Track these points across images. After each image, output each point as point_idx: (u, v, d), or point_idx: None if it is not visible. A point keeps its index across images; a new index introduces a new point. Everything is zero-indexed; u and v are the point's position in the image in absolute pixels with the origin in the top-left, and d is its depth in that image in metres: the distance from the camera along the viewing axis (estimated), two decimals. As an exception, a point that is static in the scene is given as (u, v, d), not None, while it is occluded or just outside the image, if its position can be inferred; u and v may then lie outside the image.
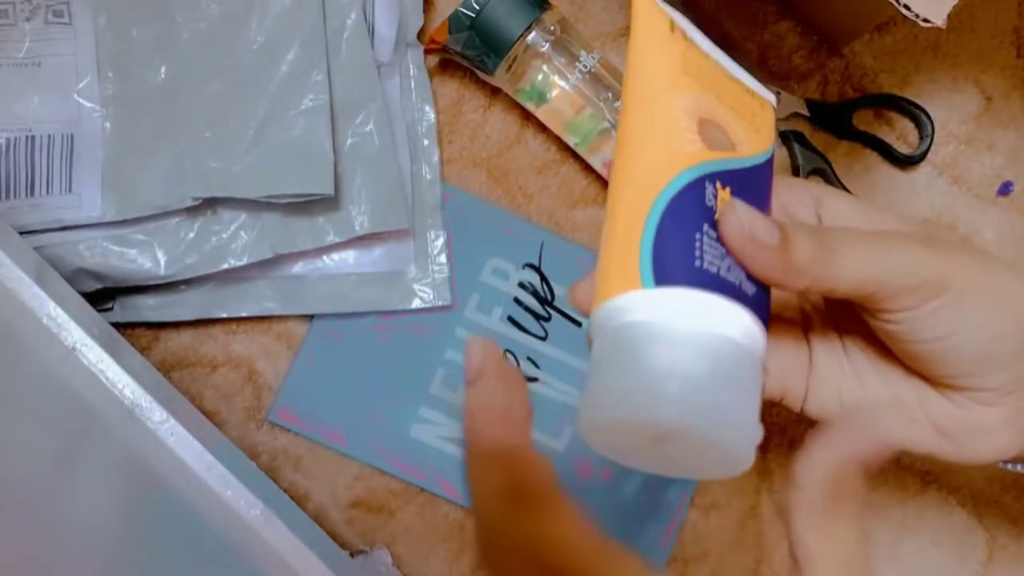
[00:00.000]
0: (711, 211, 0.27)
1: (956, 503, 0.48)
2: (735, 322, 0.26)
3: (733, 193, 0.28)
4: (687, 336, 0.25)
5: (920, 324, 0.28)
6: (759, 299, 0.27)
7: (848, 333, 0.32)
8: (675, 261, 0.26)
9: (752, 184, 0.29)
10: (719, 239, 0.27)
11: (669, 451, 0.26)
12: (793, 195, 0.32)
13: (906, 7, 0.36)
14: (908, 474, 0.48)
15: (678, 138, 0.28)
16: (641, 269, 0.26)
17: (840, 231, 0.28)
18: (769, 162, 0.31)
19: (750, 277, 0.27)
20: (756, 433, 0.25)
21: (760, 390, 0.26)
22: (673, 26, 0.30)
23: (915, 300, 0.28)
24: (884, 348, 0.31)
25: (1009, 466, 0.33)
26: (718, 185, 0.27)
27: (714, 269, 0.26)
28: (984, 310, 0.28)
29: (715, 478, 0.29)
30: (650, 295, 0.26)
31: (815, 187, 0.32)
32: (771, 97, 0.33)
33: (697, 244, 0.26)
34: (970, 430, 0.30)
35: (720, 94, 0.30)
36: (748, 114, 0.31)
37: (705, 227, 0.26)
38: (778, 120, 0.49)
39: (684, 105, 0.28)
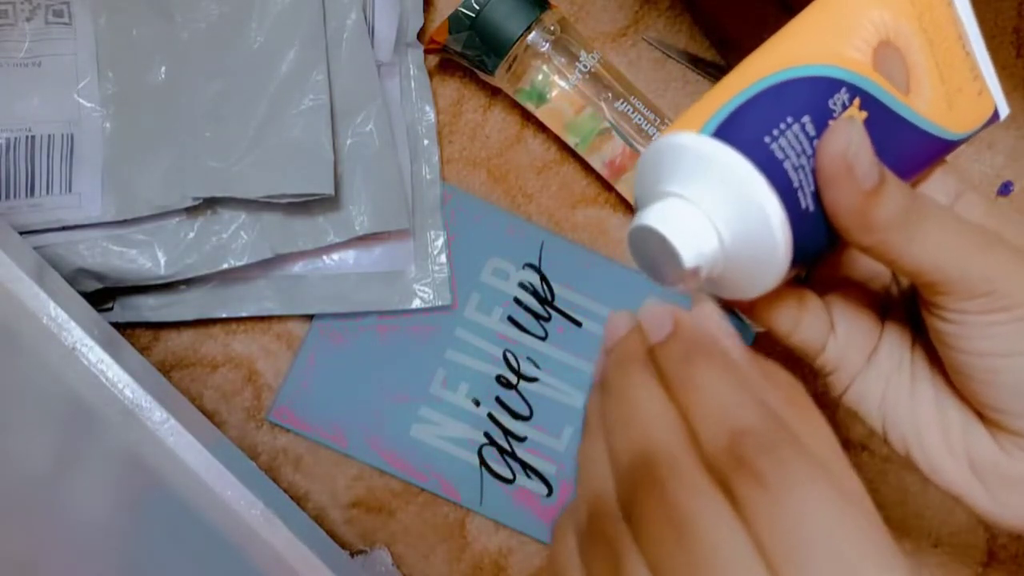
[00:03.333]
0: (826, 113, 0.24)
1: (956, 503, 0.48)
2: (760, 198, 0.23)
3: (867, 122, 0.25)
4: (700, 161, 0.24)
5: (975, 331, 0.25)
6: (812, 219, 0.25)
7: (923, 336, 0.30)
8: (746, 126, 0.24)
9: (897, 138, 0.26)
10: (812, 143, 0.24)
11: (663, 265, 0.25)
12: (933, 183, 0.29)
13: None
14: (908, 474, 0.48)
15: (843, 37, 0.25)
16: (711, 118, 0.24)
17: (940, 208, 0.25)
18: (938, 143, 0.27)
19: (816, 195, 0.25)
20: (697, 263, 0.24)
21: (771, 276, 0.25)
22: None
23: (976, 305, 0.25)
24: (942, 361, 0.28)
25: None
26: (857, 101, 0.25)
27: (780, 155, 0.24)
28: None
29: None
30: (697, 138, 0.24)
31: (957, 183, 0.29)
32: (1003, 106, 0.29)
33: (783, 125, 0.24)
34: (1007, 479, 0.27)
35: (934, 45, 0.26)
36: (952, 84, 0.27)
37: (806, 118, 0.24)
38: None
39: (877, 17, 0.26)
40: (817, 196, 0.25)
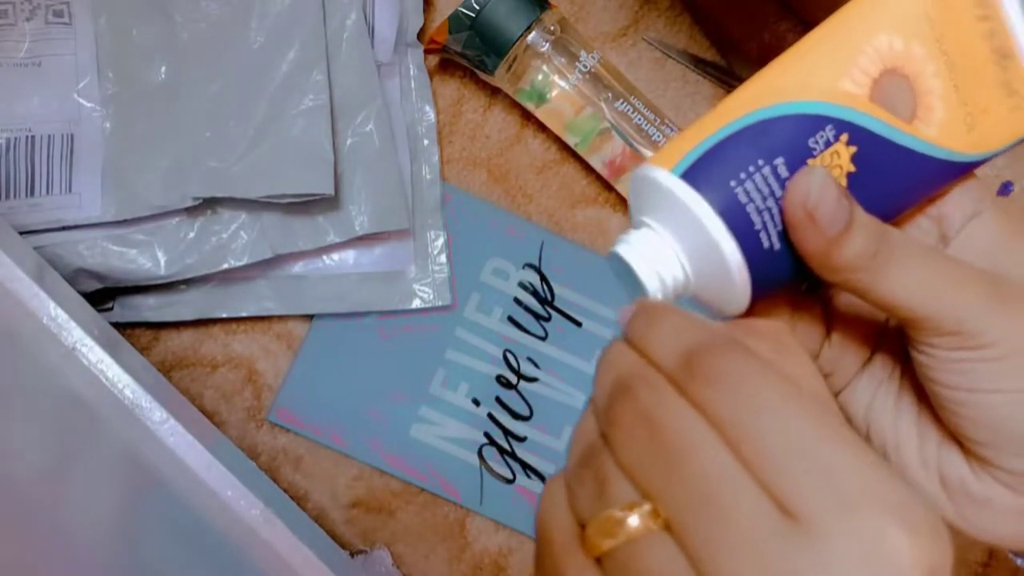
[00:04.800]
0: (805, 152, 0.24)
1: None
2: (717, 240, 0.24)
3: (855, 160, 0.25)
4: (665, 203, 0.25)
5: (944, 366, 0.25)
6: (777, 256, 0.25)
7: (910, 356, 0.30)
8: (714, 169, 0.24)
9: (897, 167, 0.26)
10: (783, 184, 0.24)
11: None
12: (953, 198, 0.28)
13: None
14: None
15: (840, 69, 0.25)
16: (683, 157, 0.25)
17: (911, 247, 0.25)
18: (950, 166, 0.27)
19: (783, 233, 0.25)
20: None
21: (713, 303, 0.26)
22: None
23: (945, 343, 0.25)
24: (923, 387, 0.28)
25: (1019, 560, 0.30)
26: (843, 139, 0.24)
27: (744, 199, 0.24)
28: (1021, 384, 0.25)
29: None
30: (667, 176, 0.25)
31: (978, 198, 0.28)
32: None
33: (751, 170, 0.24)
34: (975, 500, 0.27)
35: (954, 67, 0.26)
36: (975, 105, 0.26)
37: (778, 161, 0.24)
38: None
39: (884, 43, 0.25)
40: (784, 235, 0.25)
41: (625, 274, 0.26)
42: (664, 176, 0.25)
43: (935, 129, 0.26)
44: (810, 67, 0.25)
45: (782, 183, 0.24)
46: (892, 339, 0.30)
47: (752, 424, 0.21)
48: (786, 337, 0.25)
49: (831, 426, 0.21)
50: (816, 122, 0.24)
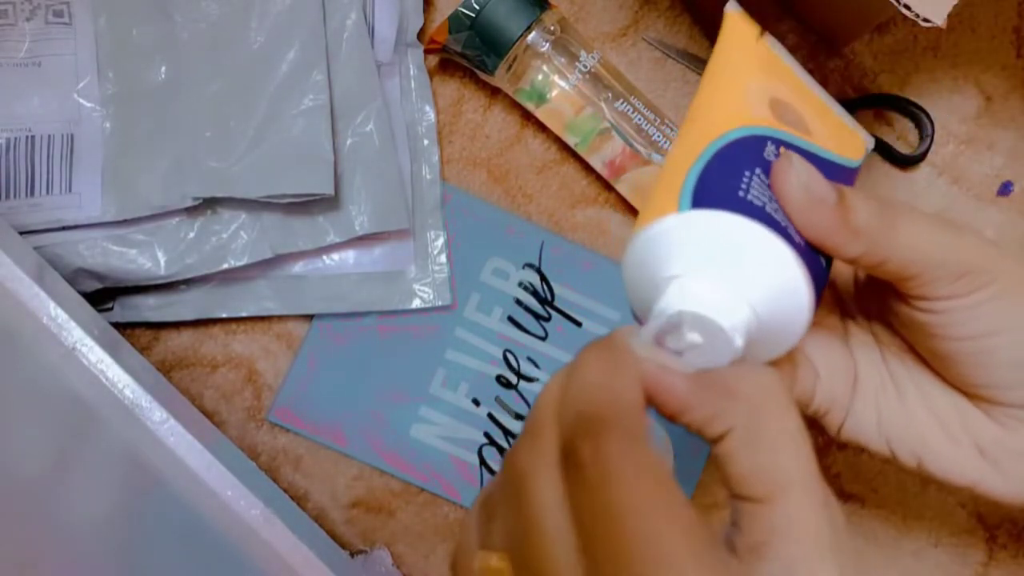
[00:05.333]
0: (767, 164, 0.26)
1: (956, 503, 0.48)
2: (766, 240, 0.24)
3: None
4: (709, 227, 0.24)
5: (960, 316, 0.27)
6: (805, 251, 0.26)
7: (888, 345, 0.31)
8: (717, 188, 0.25)
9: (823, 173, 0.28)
10: (770, 188, 0.25)
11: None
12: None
13: (906, 7, 0.36)
14: (908, 474, 0.48)
15: (745, 103, 0.28)
16: (681, 196, 0.25)
17: (903, 204, 0.27)
18: (847, 171, 0.29)
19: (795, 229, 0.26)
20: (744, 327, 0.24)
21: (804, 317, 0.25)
22: (760, 37, 0.31)
23: (960, 287, 0.26)
24: (925, 357, 0.30)
25: None
26: (782, 149, 0.26)
27: (759, 203, 0.25)
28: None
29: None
30: (683, 215, 0.25)
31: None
32: (868, 139, 0.32)
33: (745, 179, 0.25)
34: (1014, 453, 0.28)
35: (802, 103, 0.30)
36: (829, 126, 0.30)
37: (758, 171, 0.26)
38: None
39: (757, 85, 0.29)
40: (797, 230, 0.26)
41: (690, 337, 0.24)
42: (677, 218, 0.24)
43: (822, 141, 0.29)
44: (724, 105, 0.28)
45: (768, 188, 0.26)
46: (865, 350, 0.31)
47: (602, 528, 0.21)
48: (767, 400, 0.23)
49: (688, 546, 0.20)
50: (760, 140, 0.27)
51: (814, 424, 0.34)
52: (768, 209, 0.25)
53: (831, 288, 0.32)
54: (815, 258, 0.26)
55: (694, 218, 0.24)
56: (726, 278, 0.24)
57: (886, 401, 0.30)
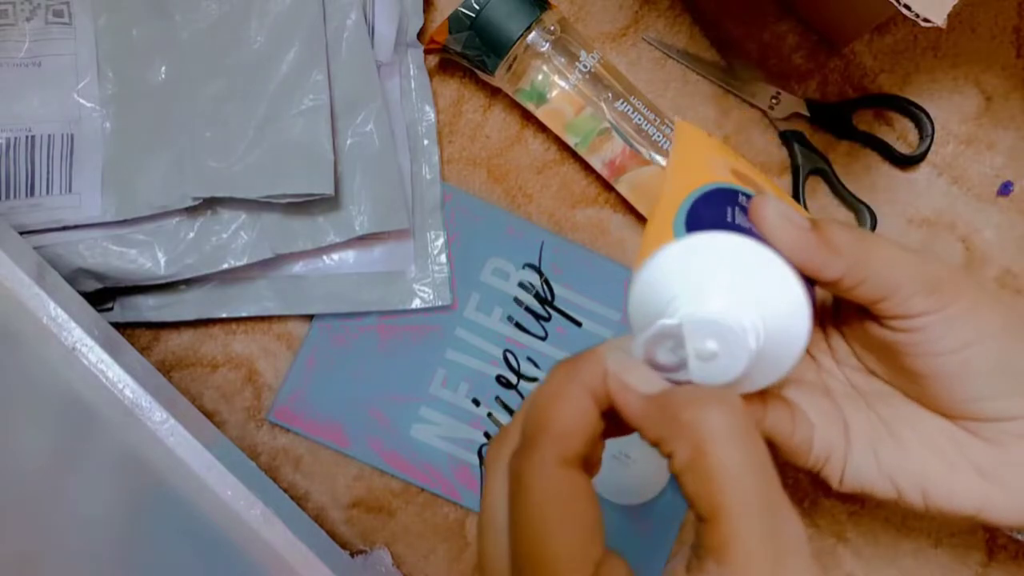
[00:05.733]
0: (744, 206, 0.29)
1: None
2: (768, 257, 0.26)
3: None
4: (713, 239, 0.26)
5: (935, 332, 0.28)
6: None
7: (868, 391, 0.33)
8: (708, 217, 0.27)
9: None
10: (750, 219, 0.28)
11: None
12: None
13: (906, 7, 0.36)
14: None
15: (712, 169, 0.32)
16: (675, 228, 0.27)
17: (868, 232, 0.30)
18: None
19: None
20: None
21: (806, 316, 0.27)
22: (709, 135, 0.37)
23: (933, 303, 0.28)
24: (906, 388, 0.31)
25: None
26: (742, 201, 0.30)
27: (747, 227, 0.27)
28: (998, 323, 0.29)
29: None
30: (684, 239, 0.26)
31: None
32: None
33: (729, 212, 0.28)
34: (1013, 466, 0.29)
35: (754, 174, 0.35)
36: (782, 196, 0.35)
37: (737, 209, 0.29)
38: (778, 120, 0.49)
39: (718, 159, 0.34)
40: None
41: (704, 348, 0.25)
42: (675, 244, 0.26)
43: (774, 193, 0.33)
44: (695, 170, 0.31)
45: (749, 227, 0.28)
46: (848, 397, 0.33)
47: (513, 533, 0.25)
48: (701, 442, 0.24)
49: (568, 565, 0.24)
50: (731, 192, 0.30)
51: (817, 481, 0.37)
52: (755, 232, 0.27)
53: (808, 350, 0.33)
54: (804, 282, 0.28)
55: (694, 239, 0.26)
56: (731, 288, 0.26)
57: (881, 442, 0.31)
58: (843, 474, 0.31)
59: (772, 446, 0.31)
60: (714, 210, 0.28)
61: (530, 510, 0.24)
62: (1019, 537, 0.33)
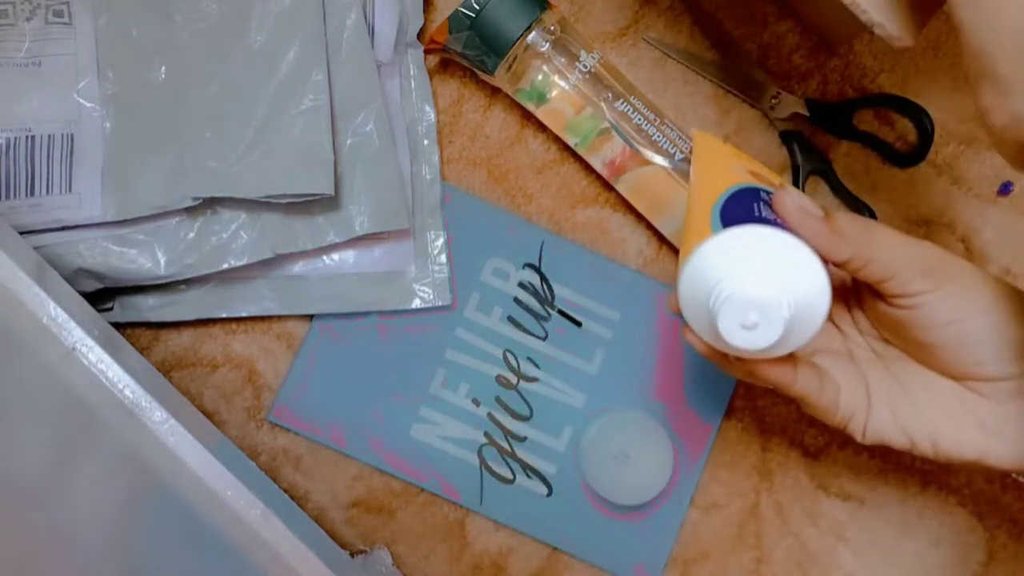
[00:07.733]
0: (766, 200, 0.34)
1: (956, 503, 0.48)
2: (790, 240, 0.31)
3: None
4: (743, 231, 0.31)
5: (933, 308, 0.33)
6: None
7: (887, 357, 0.37)
8: (740, 214, 0.32)
9: None
10: (773, 209, 0.33)
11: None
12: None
13: (880, 26, 0.37)
14: (908, 474, 0.48)
15: (733, 173, 0.36)
16: (712, 226, 0.32)
17: (872, 221, 0.34)
18: None
19: None
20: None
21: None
22: (724, 141, 0.41)
23: (931, 283, 0.33)
24: (916, 354, 0.36)
25: None
26: (764, 197, 0.34)
27: (772, 218, 0.32)
28: (988, 300, 0.33)
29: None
30: (724, 232, 0.31)
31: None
32: None
33: (756, 208, 0.33)
34: (1012, 419, 0.34)
35: (769, 175, 0.39)
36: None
37: (761, 204, 0.34)
38: (778, 120, 0.49)
39: (738, 164, 0.38)
40: None
41: (745, 319, 0.30)
42: (715, 238, 0.31)
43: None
44: (720, 176, 0.36)
45: (773, 218, 0.33)
46: (869, 361, 0.37)
47: None
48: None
49: None
50: (754, 190, 0.35)
51: (838, 433, 0.43)
52: (779, 222, 0.32)
53: (835, 322, 0.39)
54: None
55: (731, 233, 0.31)
56: (766, 270, 0.31)
57: (897, 400, 0.36)
58: (865, 428, 0.36)
59: (804, 405, 0.35)
60: (742, 207, 0.33)
61: None
62: (1021, 479, 0.39)
